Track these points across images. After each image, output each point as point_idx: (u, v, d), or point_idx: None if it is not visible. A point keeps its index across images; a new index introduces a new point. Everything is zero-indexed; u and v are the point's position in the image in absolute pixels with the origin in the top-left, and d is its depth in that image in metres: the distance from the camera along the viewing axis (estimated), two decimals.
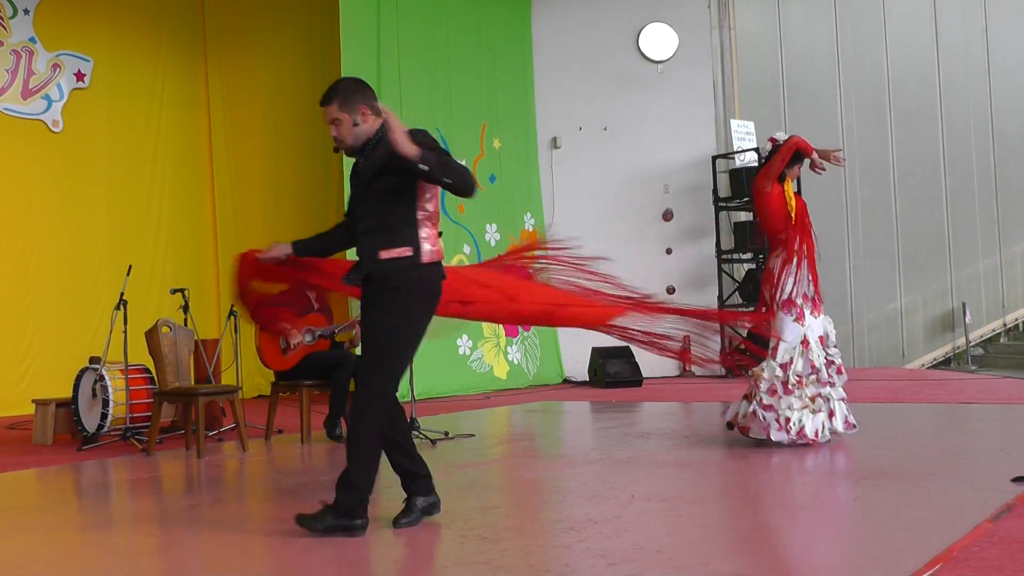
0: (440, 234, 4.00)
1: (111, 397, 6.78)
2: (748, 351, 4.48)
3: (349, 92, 3.82)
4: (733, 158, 12.27)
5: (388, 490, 4.69)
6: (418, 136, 3.70)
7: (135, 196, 11.50)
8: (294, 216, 12.06)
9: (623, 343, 5.07)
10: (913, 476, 4.70)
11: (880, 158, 14.09)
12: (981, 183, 14.91)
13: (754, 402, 5.92)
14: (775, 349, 5.98)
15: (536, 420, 8.47)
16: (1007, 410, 7.53)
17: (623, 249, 12.60)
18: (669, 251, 12.61)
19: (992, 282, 15.02)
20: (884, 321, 14.12)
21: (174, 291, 7.35)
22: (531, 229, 12.29)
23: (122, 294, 7.05)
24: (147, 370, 7.09)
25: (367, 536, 3.78)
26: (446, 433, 6.76)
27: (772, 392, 5.87)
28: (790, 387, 5.83)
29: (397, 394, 3.94)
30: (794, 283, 5.91)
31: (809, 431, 5.76)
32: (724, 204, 12.29)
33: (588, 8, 12.80)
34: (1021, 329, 15.31)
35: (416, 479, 3.96)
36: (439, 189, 3.82)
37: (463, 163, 4.17)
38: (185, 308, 7.22)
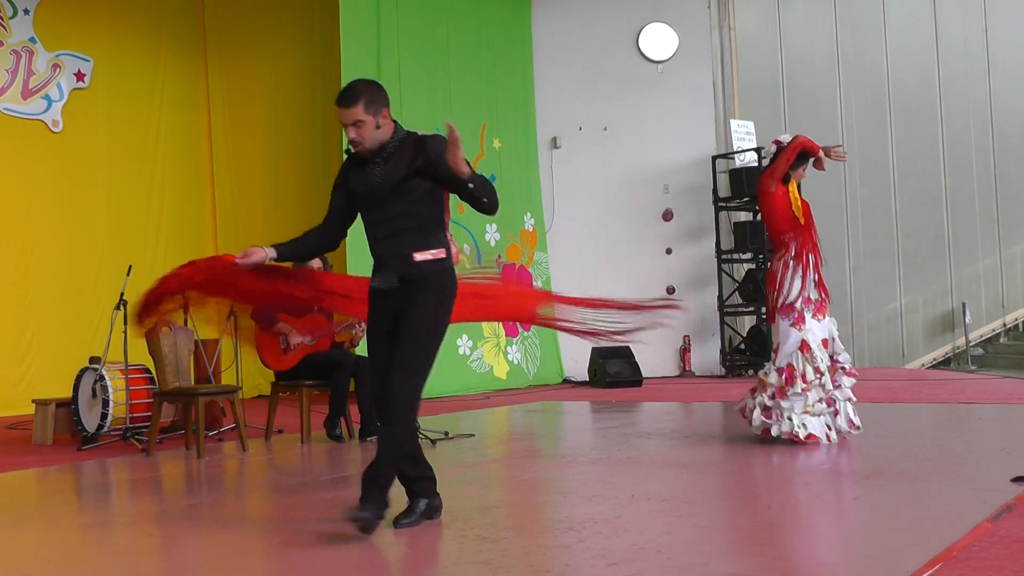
0: None
1: (111, 397, 6.78)
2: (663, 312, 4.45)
3: (373, 94, 3.82)
4: (733, 158, 12.27)
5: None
6: (440, 142, 3.77)
7: (135, 196, 11.50)
8: (294, 216, 12.04)
9: (584, 340, 5.05)
10: (913, 476, 4.70)
11: (880, 158, 14.09)
12: (981, 183, 14.91)
13: (757, 401, 5.96)
14: (775, 353, 6.01)
15: (536, 420, 8.47)
16: (1007, 410, 7.53)
17: (623, 249, 12.65)
18: (669, 251, 12.61)
19: (992, 282, 15.02)
20: (884, 321, 14.12)
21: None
22: (531, 229, 12.29)
23: (122, 294, 7.04)
24: (147, 370, 7.09)
25: (367, 536, 3.78)
26: (446, 433, 6.76)
27: (773, 396, 5.92)
28: (789, 393, 5.85)
29: None
30: (801, 286, 5.92)
31: (813, 431, 5.78)
32: (724, 204, 12.29)
33: (588, 8, 12.80)
34: (1021, 329, 15.32)
35: (420, 481, 3.95)
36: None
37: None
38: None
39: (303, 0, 12.05)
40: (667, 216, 12.63)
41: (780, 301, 5.97)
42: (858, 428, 5.89)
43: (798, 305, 5.90)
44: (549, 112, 12.66)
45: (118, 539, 4.12)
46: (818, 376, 5.81)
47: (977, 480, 4.60)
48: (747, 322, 12.51)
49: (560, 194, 12.66)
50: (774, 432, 5.90)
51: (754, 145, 12.12)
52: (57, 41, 10.85)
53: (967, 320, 14.40)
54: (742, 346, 12.25)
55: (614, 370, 11.23)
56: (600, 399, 9.80)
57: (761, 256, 11.77)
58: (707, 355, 12.54)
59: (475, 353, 11.20)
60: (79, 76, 11.03)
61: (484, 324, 11.10)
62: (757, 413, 6.00)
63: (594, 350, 11.55)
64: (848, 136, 13.55)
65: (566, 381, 12.25)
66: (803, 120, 13.09)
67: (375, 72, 10.35)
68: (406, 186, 3.80)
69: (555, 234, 12.64)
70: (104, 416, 6.79)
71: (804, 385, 5.81)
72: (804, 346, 5.84)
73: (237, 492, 5.32)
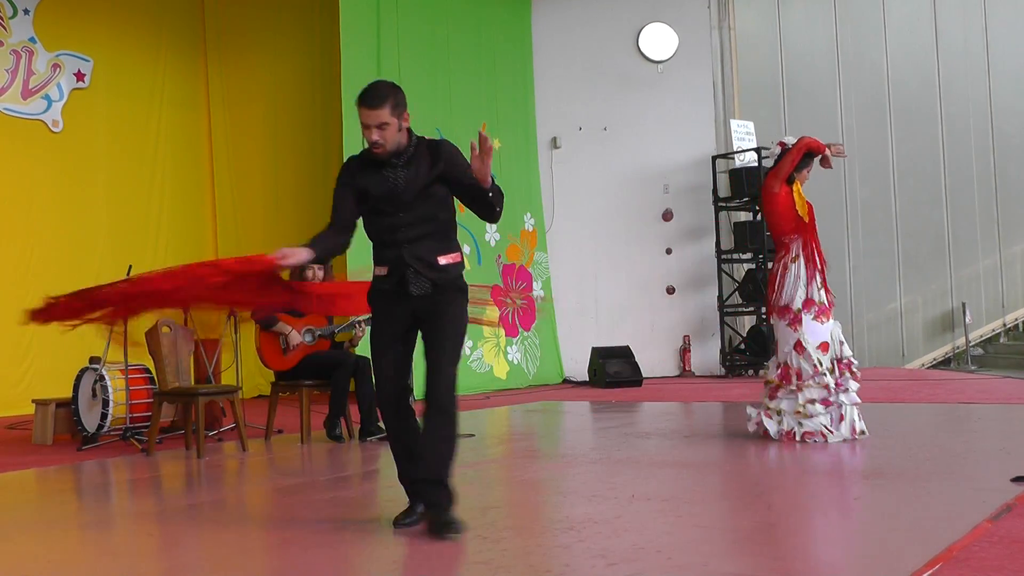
0: None
1: (111, 397, 6.78)
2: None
3: (397, 97, 3.83)
4: (733, 158, 12.27)
5: (388, 490, 4.69)
6: (452, 148, 3.90)
7: (135, 196, 11.50)
8: (294, 216, 12.06)
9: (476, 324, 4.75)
10: (913, 476, 4.70)
11: (880, 158, 14.09)
12: (981, 183, 14.91)
13: (761, 402, 6.07)
14: (773, 352, 6.06)
15: (536, 420, 8.47)
16: (1007, 410, 7.53)
17: (623, 249, 12.65)
18: (669, 251, 12.61)
19: (992, 282, 15.02)
20: (884, 321, 14.12)
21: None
22: (531, 229, 12.29)
23: None
24: (147, 370, 7.09)
25: (367, 536, 3.78)
26: None
27: (771, 396, 6.02)
28: (781, 393, 5.95)
29: (412, 397, 4.02)
30: (807, 289, 5.93)
31: (809, 429, 5.82)
32: (724, 204, 12.29)
33: (588, 8, 12.80)
34: (1021, 329, 15.32)
35: (420, 481, 3.96)
36: None
37: None
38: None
39: (303, 0, 12.05)
40: (667, 216, 12.63)
41: (776, 302, 6.00)
42: (863, 433, 5.90)
43: (795, 307, 5.92)
44: (549, 112, 12.66)
45: (118, 539, 4.12)
46: (815, 376, 5.81)
47: (977, 480, 4.60)
48: (747, 322, 12.51)
49: (560, 194, 12.66)
50: (772, 432, 5.95)
51: (754, 145, 12.12)
52: (57, 41, 10.85)
53: (967, 320, 14.40)
54: (742, 346, 12.25)
55: (614, 370, 11.23)
56: (600, 399, 9.80)
57: (761, 256, 11.77)
58: (707, 355, 12.54)
59: (475, 353, 11.20)
60: (79, 76, 11.03)
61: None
62: (754, 412, 6.08)
63: (594, 350, 11.55)
64: (848, 136, 13.55)
65: (566, 381, 12.25)
66: (803, 120, 13.09)
67: (375, 72, 10.34)
68: (428, 191, 3.86)
69: (555, 234, 12.64)
70: (104, 416, 6.79)
71: (799, 383, 5.85)
72: (799, 346, 5.87)
73: (237, 492, 5.32)
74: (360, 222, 4.01)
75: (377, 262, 3.94)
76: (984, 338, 15.02)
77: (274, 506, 4.73)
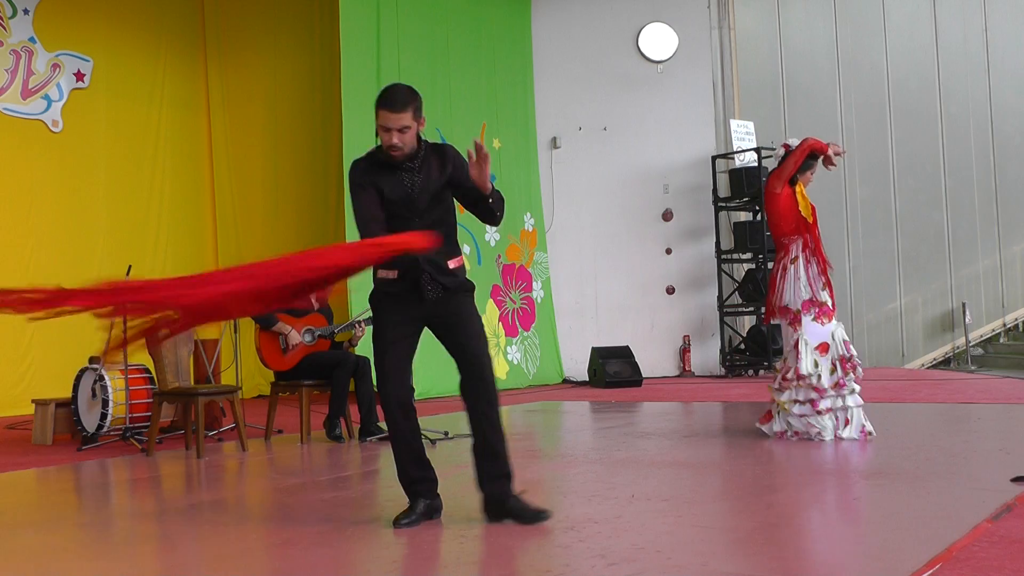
0: None
1: (111, 397, 6.78)
2: None
3: (418, 101, 3.87)
4: (733, 158, 12.27)
5: (388, 490, 4.69)
6: (456, 153, 3.95)
7: (135, 196, 11.50)
8: (294, 216, 12.07)
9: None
10: (913, 476, 4.70)
11: (880, 158, 14.10)
12: (981, 183, 14.92)
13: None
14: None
15: (536, 420, 8.46)
16: (1007, 410, 7.53)
17: (623, 249, 12.65)
18: (669, 251, 12.61)
19: (992, 282, 15.02)
20: (884, 321, 14.12)
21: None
22: (531, 229, 12.29)
23: None
24: (147, 370, 7.09)
25: (367, 536, 3.78)
26: (446, 433, 6.75)
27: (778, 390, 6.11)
28: (773, 385, 6.10)
29: (415, 396, 4.06)
30: (811, 289, 5.95)
31: (798, 428, 5.96)
32: (724, 204, 12.29)
33: (588, 8, 12.80)
34: (1021, 329, 15.32)
35: (423, 482, 3.98)
36: None
37: None
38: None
39: (303, 0, 12.05)
40: (667, 216, 12.63)
41: (777, 303, 6.05)
42: (871, 434, 5.92)
43: (794, 308, 5.95)
44: (549, 112, 12.66)
45: (118, 539, 4.12)
46: (802, 378, 5.86)
47: (977, 480, 4.60)
48: (747, 322, 12.51)
49: (560, 194, 12.66)
50: (768, 431, 6.06)
51: (754, 145, 12.12)
52: (57, 41, 10.85)
53: (967, 320, 14.40)
54: (742, 346, 12.25)
55: (614, 370, 11.23)
56: (600, 399, 9.80)
57: (761, 256, 11.77)
58: (707, 355, 12.54)
59: None
60: (79, 76, 11.03)
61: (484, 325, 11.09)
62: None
63: (594, 350, 11.55)
64: (848, 136, 13.55)
65: (566, 381, 12.25)
66: (803, 120, 13.10)
67: (375, 72, 10.35)
68: (438, 196, 3.92)
69: (555, 234, 12.65)
70: (104, 416, 6.79)
71: (790, 380, 5.92)
72: (796, 346, 5.91)
73: (237, 492, 5.31)
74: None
75: (384, 266, 3.89)
76: (984, 338, 15.02)
77: (274, 506, 4.73)
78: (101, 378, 6.83)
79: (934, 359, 14.51)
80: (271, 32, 12.34)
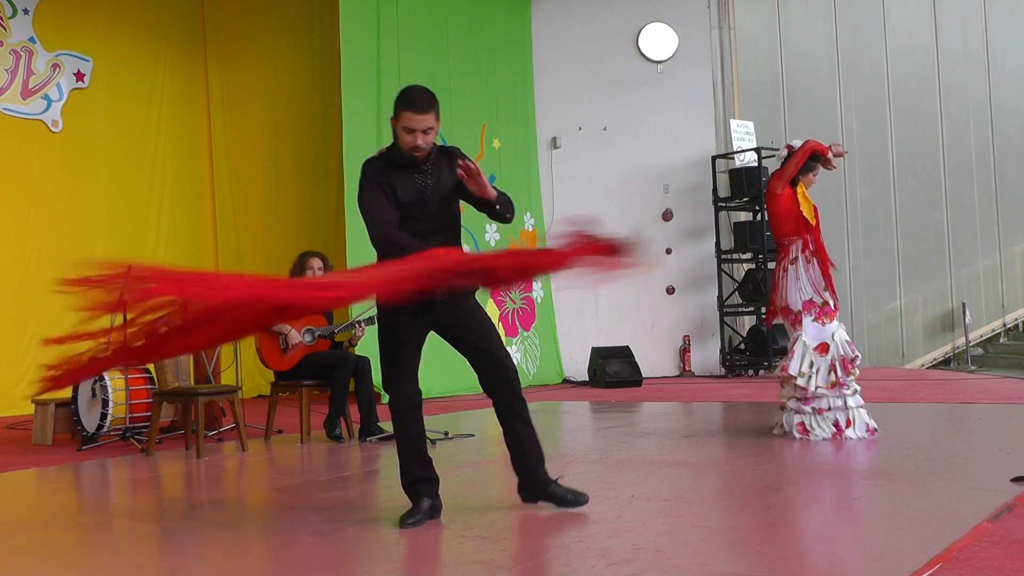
0: None
1: (111, 397, 6.78)
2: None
3: (439, 104, 3.91)
4: (733, 158, 12.27)
5: (388, 490, 4.69)
6: (460, 152, 3.97)
7: (135, 196, 11.50)
8: (294, 216, 12.07)
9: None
10: (913, 476, 4.70)
11: (880, 158, 14.09)
12: (981, 183, 14.91)
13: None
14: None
15: (536, 420, 8.42)
16: (1007, 410, 7.53)
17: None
18: (669, 251, 12.61)
19: (992, 282, 15.02)
20: (884, 321, 14.12)
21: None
22: (531, 229, 12.29)
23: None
24: (147, 370, 7.09)
25: (367, 536, 3.78)
26: (446, 433, 6.76)
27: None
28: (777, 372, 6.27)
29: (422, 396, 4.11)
30: (811, 289, 5.97)
31: (792, 427, 6.00)
32: (724, 204, 12.29)
33: (588, 8, 12.80)
34: (1021, 329, 15.32)
35: (425, 482, 4.00)
36: None
37: None
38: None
39: (303, 0, 12.05)
40: (667, 216, 12.63)
41: (779, 304, 6.08)
42: (876, 431, 5.93)
43: (795, 308, 5.98)
44: (549, 112, 12.66)
45: (118, 539, 4.12)
46: (790, 377, 5.89)
47: (977, 480, 4.60)
48: (747, 322, 12.51)
49: (560, 194, 12.66)
50: (775, 431, 6.10)
51: (754, 145, 12.12)
52: (57, 41, 10.85)
53: (967, 320, 14.40)
54: (742, 346, 12.25)
55: (614, 370, 11.23)
56: (600, 399, 9.80)
57: (761, 256, 11.77)
58: (707, 355, 12.54)
59: None
60: (79, 76, 11.03)
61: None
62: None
63: (594, 350, 11.55)
64: (848, 136, 13.55)
65: (566, 381, 12.25)
66: (803, 120, 13.10)
67: (375, 72, 10.35)
68: (447, 198, 3.96)
69: (555, 234, 12.64)
70: (104, 416, 6.79)
71: (784, 375, 5.99)
72: (794, 344, 5.94)
73: (237, 492, 5.31)
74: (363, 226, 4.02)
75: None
76: (984, 338, 15.02)
77: (274, 506, 4.73)
78: (101, 378, 6.82)
79: (934, 359, 14.50)
80: (271, 32, 12.34)
